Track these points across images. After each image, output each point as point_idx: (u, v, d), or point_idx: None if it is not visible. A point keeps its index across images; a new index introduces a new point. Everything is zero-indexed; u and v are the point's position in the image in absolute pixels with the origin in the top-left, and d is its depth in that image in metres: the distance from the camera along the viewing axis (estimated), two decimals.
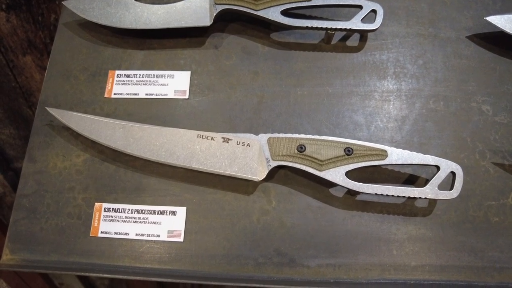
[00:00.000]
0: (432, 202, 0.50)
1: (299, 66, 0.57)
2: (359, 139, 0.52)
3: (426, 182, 0.50)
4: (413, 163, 0.48)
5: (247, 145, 0.49)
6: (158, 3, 0.58)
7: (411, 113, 0.54)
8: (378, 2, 0.58)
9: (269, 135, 0.49)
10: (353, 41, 0.58)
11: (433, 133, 0.54)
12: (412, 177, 0.51)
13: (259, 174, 0.48)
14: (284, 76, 0.57)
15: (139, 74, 0.57)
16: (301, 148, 0.48)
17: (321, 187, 0.51)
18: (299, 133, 0.51)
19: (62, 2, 0.59)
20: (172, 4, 0.56)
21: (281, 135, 0.49)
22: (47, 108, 0.54)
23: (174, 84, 0.56)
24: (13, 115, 1.26)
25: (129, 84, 0.56)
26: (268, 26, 0.59)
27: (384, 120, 0.54)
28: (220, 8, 0.56)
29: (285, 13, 0.55)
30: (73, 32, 0.60)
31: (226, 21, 0.59)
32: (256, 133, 0.52)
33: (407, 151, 0.48)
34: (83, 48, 0.60)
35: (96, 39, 0.60)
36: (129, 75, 0.57)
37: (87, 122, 0.52)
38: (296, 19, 0.55)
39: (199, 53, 0.58)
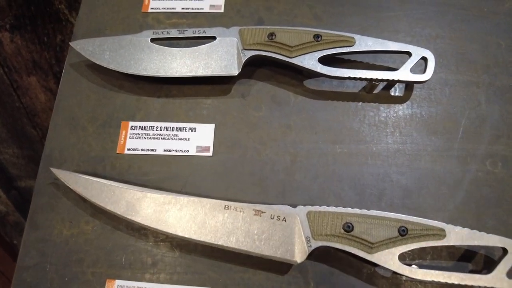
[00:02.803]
0: None
1: (337, 119, 0.49)
2: (408, 208, 0.45)
3: (485, 259, 0.43)
4: (475, 244, 0.41)
5: (282, 220, 0.41)
6: (178, 45, 0.51)
7: (465, 177, 0.47)
8: (424, 45, 0.50)
9: (308, 208, 0.42)
10: (397, 90, 0.51)
11: (491, 201, 0.46)
12: (469, 252, 0.44)
13: (297, 256, 0.40)
14: (320, 131, 0.49)
15: (157, 127, 0.49)
16: (348, 227, 0.40)
17: (366, 265, 0.43)
18: (340, 200, 0.44)
19: (69, 43, 0.51)
20: (194, 48, 0.49)
21: (323, 208, 0.41)
22: (51, 169, 0.46)
23: (196, 138, 0.48)
24: (17, 135, 1.18)
25: (145, 138, 0.49)
26: (301, 72, 0.51)
27: (435, 185, 0.46)
28: (249, 54, 0.48)
29: (323, 59, 0.48)
30: (81, 75, 0.52)
31: (254, 65, 0.51)
32: (290, 199, 0.44)
33: (467, 230, 0.41)
34: (92, 93, 0.52)
35: (106, 83, 0.52)
36: (144, 127, 0.49)
37: (95, 187, 0.44)
38: (335, 68, 0.47)
39: (224, 103, 0.50)
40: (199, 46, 0.48)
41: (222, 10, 0.55)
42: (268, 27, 0.48)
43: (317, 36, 0.47)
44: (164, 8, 0.55)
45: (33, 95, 1.12)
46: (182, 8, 0.55)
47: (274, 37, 0.47)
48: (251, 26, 0.48)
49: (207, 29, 0.49)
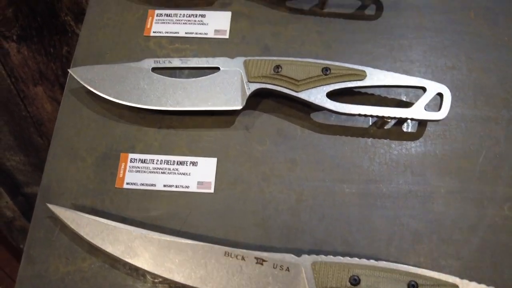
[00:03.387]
0: None
1: (346, 156, 0.46)
2: (419, 254, 0.42)
3: None
4: None
5: (286, 270, 0.39)
6: (180, 74, 0.48)
7: (481, 222, 0.44)
8: (440, 76, 0.47)
9: (314, 257, 0.39)
10: (410, 126, 0.48)
11: (509, 249, 0.43)
12: None
13: None
14: (327, 168, 0.46)
15: (157, 160, 0.46)
16: (354, 281, 0.37)
17: None
18: (348, 245, 0.41)
19: (68, 70, 0.49)
20: (197, 80, 0.46)
21: (329, 258, 0.38)
22: (48, 205, 0.44)
23: (197, 173, 0.46)
24: (24, 143, 1.18)
25: (144, 171, 0.46)
26: (308, 105, 0.48)
27: (448, 230, 0.43)
28: (254, 87, 0.45)
29: (331, 94, 0.45)
30: (80, 102, 0.50)
31: (259, 96, 0.49)
32: (294, 243, 0.42)
33: (483, 286, 0.38)
34: (91, 122, 0.49)
35: (106, 111, 0.49)
36: (144, 160, 0.47)
37: (92, 225, 0.42)
38: (344, 104, 0.44)
39: (227, 135, 0.48)
40: (202, 78, 0.46)
41: (227, 36, 0.52)
42: (274, 58, 0.46)
43: (325, 69, 0.44)
44: (167, 32, 0.53)
45: (39, 105, 1.11)
46: (186, 33, 0.52)
47: (280, 69, 0.45)
48: (257, 57, 0.46)
49: (211, 59, 0.46)
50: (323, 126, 0.48)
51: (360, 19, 0.53)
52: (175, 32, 0.52)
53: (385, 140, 0.47)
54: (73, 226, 0.43)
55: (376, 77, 0.44)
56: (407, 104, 0.48)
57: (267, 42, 0.52)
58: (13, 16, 0.90)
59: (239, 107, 0.44)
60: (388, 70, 0.49)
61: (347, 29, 0.52)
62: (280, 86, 0.44)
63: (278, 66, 0.45)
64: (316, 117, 0.48)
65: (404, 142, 0.47)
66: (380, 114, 0.43)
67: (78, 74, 0.47)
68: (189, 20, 0.53)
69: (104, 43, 0.53)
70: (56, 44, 0.97)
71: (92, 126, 0.49)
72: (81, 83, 0.49)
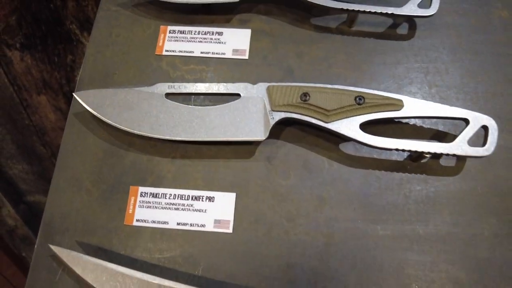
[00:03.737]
0: None
1: (379, 193, 0.41)
2: None
3: None
4: None
5: None
6: (196, 100, 0.44)
7: None
8: (481, 104, 0.43)
9: None
10: (448, 161, 0.43)
11: None
12: None
13: None
14: (359, 207, 0.41)
15: (170, 195, 0.42)
16: None
17: None
18: None
19: (73, 94, 0.44)
20: (216, 108, 0.41)
21: None
22: (50, 246, 0.40)
23: (214, 210, 0.41)
24: (26, 152, 1.13)
25: (156, 207, 0.42)
26: (338, 135, 0.44)
27: (493, 279, 0.38)
28: (278, 117, 0.40)
29: (363, 124, 0.41)
30: (86, 127, 0.46)
31: (283, 123, 0.44)
32: None
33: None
34: (98, 150, 0.45)
35: (115, 138, 0.45)
36: (156, 194, 0.42)
37: (97, 270, 0.38)
38: (379, 136, 0.40)
39: (247, 167, 0.43)
40: (221, 106, 0.41)
41: (246, 56, 0.48)
42: (301, 84, 0.41)
43: (359, 98, 0.40)
44: (181, 51, 0.48)
45: (42, 114, 1.07)
46: (201, 52, 0.47)
47: (308, 98, 0.40)
48: (281, 83, 0.41)
49: (230, 85, 0.42)
50: (354, 159, 0.43)
51: (391, 38, 0.48)
52: (190, 51, 0.48)
53: (421, 175, 0.42)
54: (78, 271, 0.38)
55: (414, 107, 0.40)
56: (445, 135, 0.44)
57: (291, 63, 0.47)
58: (17, 24, 0.85)
59: (262, 138, 0.40)
60: (423, 96, 0.45)
61: (377, 50, 0.47)
62: (308, 116, 0.40)
63: (305, 94, 0.40)
64: (346, 148, 0.43)
65: (442, 177, 0.42)
66: (420, 150, 0.39)
67: (84, 98, 0.43)
68: (205, 38, 0.48)
69: (112, 62, 0.49)
70: (61, 52, 0.93)
71: (99, 155, 0.45)
72: (86, 106, 0.45)
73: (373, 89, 0.44)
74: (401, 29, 0.49)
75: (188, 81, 0.47)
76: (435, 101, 0.43)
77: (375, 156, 0.43)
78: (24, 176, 1.24)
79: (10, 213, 1.28)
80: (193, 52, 0.48)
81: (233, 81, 0.46)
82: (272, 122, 0.40)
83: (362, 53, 0.47)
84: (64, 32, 0.89)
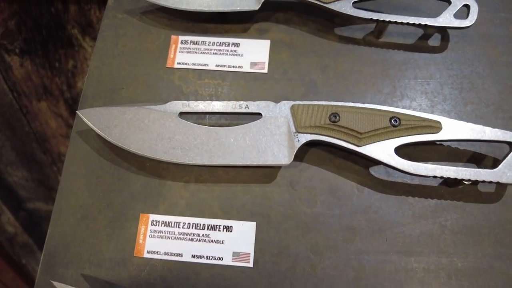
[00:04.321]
0: None
1: (413, 222, 0.37)
2: None
3: None
4: None
5: None
6: (212, 119, 0.40)
7: None
8: None
9: None
10: (486, 187, 0.38)
11: None
12: None
13: None
14: (391, 237, 0.37)
15: (183, 223, 0.38)
16: None
17: None
18: None
19: (77, 112, 0.40)
20: (235, 128, 0.37)
21: None
22: (52, 282, 0.36)
23: (232, 241, 0.37)
24: (26, 159, 1.09)
25: (168, 238, 0.38)
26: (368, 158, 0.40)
27: None
28: (304, 139, 0.36)
29: (399, 148, 0.37)
30: (91, 147, 0.42)
31: (307, 144, 0.40)
32: None
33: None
34: (104, 173, 0.41)
35: (122, 160, 0.41)
36: (169, 223, 0.38)
37: None
38: (421, 163, 0.36)
39: (267, 193, 0.39)
40: (240, 126, 0.37)
41: (265, 70, 0.43)
42: (330, 103, 0.37)
43: (394, 120, 0.36)
44: (194, 64, 0.44)
45: (43, 121, 1.02)
46: (217, 65, 0.43)
47: (338, 118, 0.36)
48: (307, 102, 0.37)
49: (251, 103, 0.38)
50: (385, 184, 0.39)
51: (423, 50, 0.44)
52: (204, 64, 0.44)
53: (458, 202, 0.38)
54: None
55: (452, 129, 0.36)
56: (483, 158, 0.40)
57: (314, 78, 0.43)
58: (16, 29, 0.81)
59: (286, 163, 0.36)
60: (458, 115, 0.41)
61: (408, 63, 0.43)
62: (338, 138, 0.36)
63: (335, 114, 0.36)
64: (377, 172, 0.39)
65: (481, 204, 0.38)
66: (460, 177, 0.35)
67: (89, 117, 0.39)
68: (220, 50, 0.44)
69: (119, 75, 0.44)
70: (62, 58, 0.88)
71: (105, 179, 0.40)
72: (91, 125, 0.40)
73: (405, 106, 0.41)
74: (433, 40, 0.45)
75: (202, 96, 0.43)
76: (471, 120, 0.40)
77: (408, 181, 0.39)
78: (24, 183, 1.19)
79: (10, 220, 1.24)
80: (207, 65, 0.43)
81: (251, 97, 0.42)
82: (298, 145, 0.36)
83: (392, 67, 0.43)
84: (66, 37, 0.84)
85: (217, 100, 0.41)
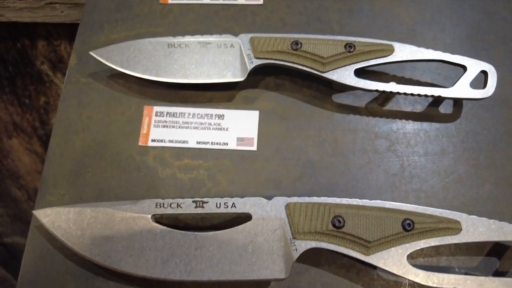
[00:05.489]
0: None
1: None
2: None
3: None
4: None
5: None
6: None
7: None
8: None
9: None
10: None
11: None
12: None
13: None
14: None
15: None
16: None
17: None
18: None
19: (33, 212, 0.33)
20: (220, 233, 0.30)
21: None
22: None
23: None
24: (0, 195, 1.02)
25: None
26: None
27: None
28: (302, 247, 0.29)
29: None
30: (52, 244, 0.36)
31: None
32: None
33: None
34: (68, 276, 0.35)
35: (88, 263, 0.35)
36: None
37: None
38: (433, 267, 0.31)
39: None
40: (226, 231, 0.30)
41: (254, 147, 0.36)
42: (331, 201, 0.30)
43: (408, 224, 0.30)
44: (171, 141, 0.37)
45: (16, 158, 0.94)
46: (198, 143, 0.36)
47: (342, 224, 0.29)
48: (305, 200, 0.30)
49: (237, 201, 0.31)
50: (395, 285, 0.34)
51: (434, 120, 0.38)
52: (183, 141, 0.37)
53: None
54: None
55: (474, 229, 0.31)
56: (505, 249, 0.35)
57: (311, 155, 0.36)
58: None
59: (282, 278, 0.30)
60: (474, 198, 0.36)
61: (418, 136, 0.38)
62: (343, 246, 0.29)
63: (338, 219, 0.29)
64: (386, 273, 0.34)
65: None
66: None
67: (46, 219, 0.32)
68: (201, 123, 0.37)
69: (83, 156, 0.37)
70: (32, 94, 0.80)
71: (69, 284, 0.34)
72: (48, 228, 0.33)
73: (415, 189, 0.35)
74: (445, 106, 0.39)
75: (181, 181, 0.36)
76: (490, 205, 0.35)
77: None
78: (0, 219, 1.12)
79: None
80: (187, 142, 0.37)
81: (238, 180, 0.36)
82: (296, 255, 0.30)
83: (399, 141, 0.37)
84: (35, 73, 0.77)
85: (198, 187, 0.35)
